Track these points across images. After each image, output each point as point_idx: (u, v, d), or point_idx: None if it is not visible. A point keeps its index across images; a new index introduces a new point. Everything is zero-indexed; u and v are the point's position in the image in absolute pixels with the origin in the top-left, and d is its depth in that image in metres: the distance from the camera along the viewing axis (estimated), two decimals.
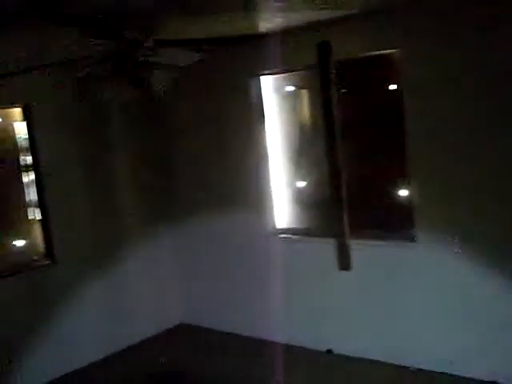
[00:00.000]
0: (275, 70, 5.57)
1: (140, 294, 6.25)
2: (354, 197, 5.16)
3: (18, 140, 5.67)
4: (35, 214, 5.72)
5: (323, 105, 4.84)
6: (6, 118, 5.62)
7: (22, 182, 5.68)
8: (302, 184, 5.76)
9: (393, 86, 5.05)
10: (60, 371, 5.51)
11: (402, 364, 4.96)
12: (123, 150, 6.24)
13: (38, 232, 5.71)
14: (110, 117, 6.14)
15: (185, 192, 6.47)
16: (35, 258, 5.65)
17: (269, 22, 4.63)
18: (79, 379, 5.50)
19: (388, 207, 5.18)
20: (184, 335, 6.36)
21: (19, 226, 5.67)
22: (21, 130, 5.67)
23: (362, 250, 4.93)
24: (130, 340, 6.06)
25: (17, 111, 5.63)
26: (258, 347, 5.72)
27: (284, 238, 5.66)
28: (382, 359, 5.08)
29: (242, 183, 5.88)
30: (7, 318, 5.21)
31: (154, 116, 6.43)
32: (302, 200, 5.77)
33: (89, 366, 5.67)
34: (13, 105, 5.54)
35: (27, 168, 5.68)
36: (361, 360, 5.17)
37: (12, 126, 5.67)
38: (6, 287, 5.27)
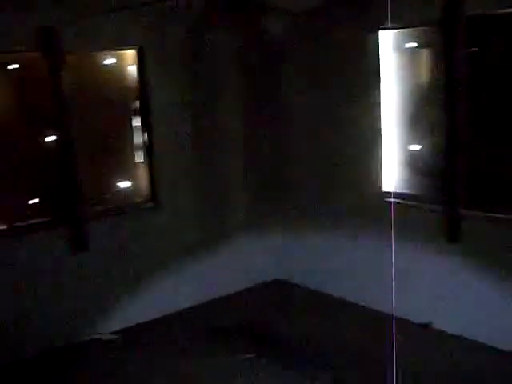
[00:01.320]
0: (396, 25, 5.18)
1: (241, 245, 6.26)
2: (474, 165, 4.86)
3: (129, 83, 5.73)
4: (142, 158, 5.83)
5: (447, 65, 4.51)
6: (118, 60, 5.67)
7: (131, 126, 5.76)
8: (416, 148, 5.44)
9: None
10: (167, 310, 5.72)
11: None
12: (235, 98, 6.15)
13: (143, 175, 5.82)
14: (221, 63, 6.03)
15: (295, 146, 6.29)
16: (139, 200, 5.78)
17: None
18: (171, 321, 5.67)
19: None
20: (278, 291, 6.32)
21: (126, 168, 5.80)
22: (132, 73, 5.72)
23: (475, 222, 4.68)
24: (224, 290, 6.11)
25: (129, 54, 5.65)
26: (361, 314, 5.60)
27: (394, 202, 5.37)
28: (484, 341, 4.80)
29: (352, 143, 5.62)
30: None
31: (267, 65, 6.24)
32: (415, 164, 5.44)
33: (182, 311, 5.80)
34: (127, 47, 5.56)
35: (136, 112, 5.76)
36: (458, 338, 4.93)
37: (124, 69, 5.73)
38: (111, 226, 5.45)
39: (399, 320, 5.17)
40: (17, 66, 5.16)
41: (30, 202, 5.27)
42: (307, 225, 6.18)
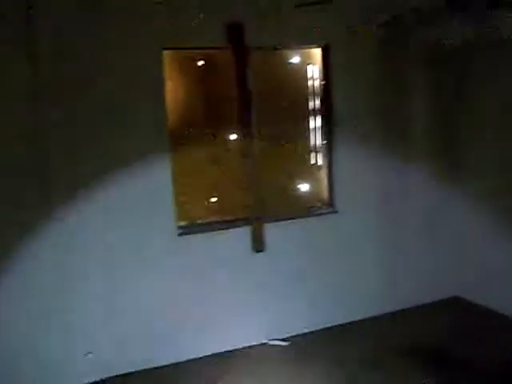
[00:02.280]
0: None
1: (419, 256, 5.83)
2: None
3: (311, 82, 5.54)
4: (317, 160, 5.61)
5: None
6: (302, 58, 5.51)
7: (308, 127, 5.57)
8: None
9: None
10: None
11: None
12: (421, 99, 5.75)
13: (320, 178, 5.59)
14: (407, 63, 5.66)
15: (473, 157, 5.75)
16: (317, 204, 5.56)
17: None
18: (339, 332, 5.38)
19: None
20: (457, 309, 5.77)
21: (303, 170, 5.61)
22: (314, 71, 5.53)
23: None
24: (401, 303, 5.70)
25: (314, 52, 5.48)
26: None
27: None
28: None
29: None
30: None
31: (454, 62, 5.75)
32: None
33: (360, 320, 5.51)
34: (315, 45, 5.40)
35: (314, 112, 5.56)
36: None
37: (305, 68, 5.56)
38: (288, 229, 5.28)
39: None
40: (203, 62, 5.20)
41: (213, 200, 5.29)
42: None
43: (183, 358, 4.91)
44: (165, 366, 4.81)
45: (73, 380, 4.57)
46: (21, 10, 4.22)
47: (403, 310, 5.68)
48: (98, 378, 4.63)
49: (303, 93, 5.54)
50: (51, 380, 4.53)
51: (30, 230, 4.42)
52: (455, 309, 5.79)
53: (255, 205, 5.14)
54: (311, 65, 5.52)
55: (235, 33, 4.90)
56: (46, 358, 4.51)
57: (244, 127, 5.08)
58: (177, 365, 4.85)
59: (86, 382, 4.58)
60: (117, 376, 4.67)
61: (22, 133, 4.33)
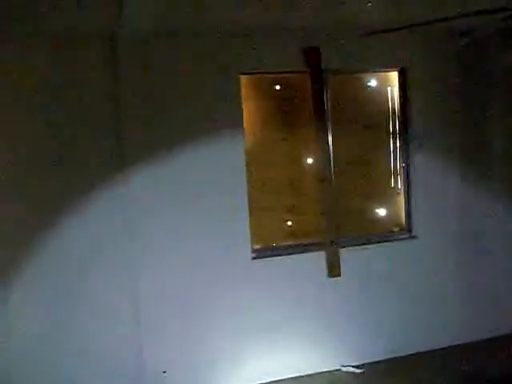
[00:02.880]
0: None
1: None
2: None
3: (389, 105, 5.45)
4: (396, 183, 5.49)
5: None
6: (379, 81, 5.45)
7: (389, 148, 5.47)
8: None
9: None
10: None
11: None
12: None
13: (398, 202, 5.47)
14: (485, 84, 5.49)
15: None
16: (395, 229, 5.45)
17: None
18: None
19: None
20: None
21: (382, 193, 5.50)
22: (392, 95, 5.44)
23: None
24: (489, 332, 5.46)
25: (390, 75, 5.42)
26: None
27: None
28: None
29: None
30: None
31: None
32: None
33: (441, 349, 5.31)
34: (392, 68, 5.35)
35: (394, 134, 5.46)
36: None
37: (385, 90, 5.47)
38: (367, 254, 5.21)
39: None
40: (281, 85, 5.22)
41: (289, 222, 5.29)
42: None
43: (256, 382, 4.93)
44: None
45: None
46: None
47: (488, 340, 5.43)
48: None
49: (382, 115, 5.46)
50: None
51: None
52: None
53: (332, 229, 5.09)
54: (390, 87, 5.44)
55: (313, 57, 4.92)
56: None
57: (321, 150, 5.07)
58: None
59: None
60: None
61: None
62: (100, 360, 4.53)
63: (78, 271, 4.48)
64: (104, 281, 4.54)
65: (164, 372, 4.69)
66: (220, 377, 4.83)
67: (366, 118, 5.39)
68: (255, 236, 4.98)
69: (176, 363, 4.72)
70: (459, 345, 5.37)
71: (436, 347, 5.33)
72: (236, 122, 4.80)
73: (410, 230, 5.38)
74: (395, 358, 5.23)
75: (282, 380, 4.96)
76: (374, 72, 5.37)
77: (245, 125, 4.87)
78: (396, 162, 5.46)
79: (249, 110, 4.97)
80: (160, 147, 4.62)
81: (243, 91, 4.88)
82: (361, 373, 5.06)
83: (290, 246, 5.12)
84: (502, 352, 5.25)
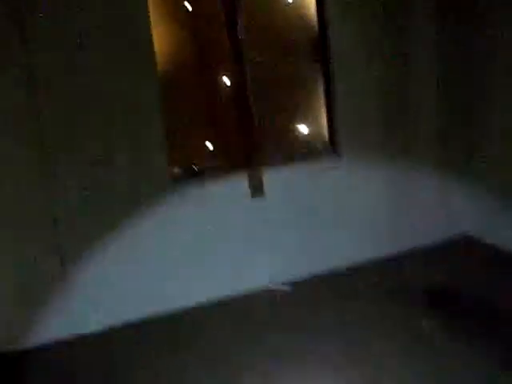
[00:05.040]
0: None
1: (429, 195, 5.65)
2: None
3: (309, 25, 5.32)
4: (320, 103, 5.43)
5: None
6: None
7: (308, 69, 5.38)
8: None
9: None
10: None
11: None
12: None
13: (322, 121, 5.43)
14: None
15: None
16: (318, 146, 5.43)
17: None
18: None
19: None
20: (466, 249, 5.52)
21: (305, 113, 5.46)
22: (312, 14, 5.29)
23: None
24: (411, 243, 5.55)
25: None
26: None
27: None
28: None
29: None
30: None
31: None
32: None
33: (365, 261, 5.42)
34: None
35: (315, 54, 5.35)
36: None
37: (305, 8, 5.32)
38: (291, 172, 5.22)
39: None
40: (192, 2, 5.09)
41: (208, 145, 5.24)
42: None
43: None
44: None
45: None
46: None
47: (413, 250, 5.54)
48: None
49: (301, 35, 5.34)
50: None
51: None
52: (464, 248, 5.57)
53: (253, 149, 5.06)
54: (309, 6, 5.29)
55: None
56: None
57: (237, 71, 4.98)
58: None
59: None
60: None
61: None
62: None
63: None
64: None
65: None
66: (146, 301, 4.88)
67: (283, 38, 5.27)
68: (173, 160, 4.94)
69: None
70: (388, 259, 5.45)
71: (364, 261, 5.41)
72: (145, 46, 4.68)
73: (333, 147, 5.37)
74: (321, 275, 5.29)
75: (210, 301, 5.02)
76: None
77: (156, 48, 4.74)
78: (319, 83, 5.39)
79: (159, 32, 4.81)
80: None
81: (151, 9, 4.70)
82: (288, 290, 5.14)
83: (210, 168, 5.09)
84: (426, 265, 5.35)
